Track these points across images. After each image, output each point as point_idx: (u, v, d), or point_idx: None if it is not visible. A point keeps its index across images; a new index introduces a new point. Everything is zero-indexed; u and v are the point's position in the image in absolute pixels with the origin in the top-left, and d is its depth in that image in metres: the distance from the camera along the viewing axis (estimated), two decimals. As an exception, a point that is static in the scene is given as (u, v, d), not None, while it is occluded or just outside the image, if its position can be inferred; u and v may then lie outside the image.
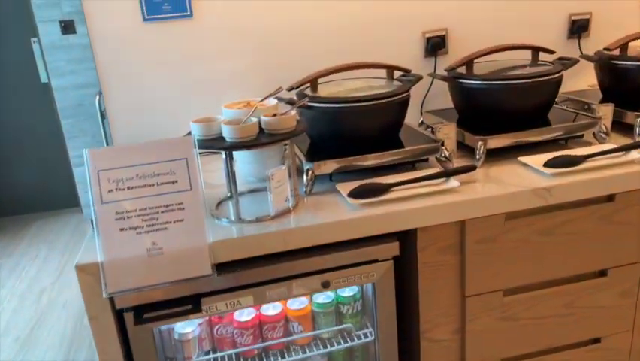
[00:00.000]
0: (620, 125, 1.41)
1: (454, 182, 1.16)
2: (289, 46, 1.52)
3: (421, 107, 1.65)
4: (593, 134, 1.35)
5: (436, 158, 1.27)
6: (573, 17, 1.68)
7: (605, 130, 1.34)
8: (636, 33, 1.43)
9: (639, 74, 1.38)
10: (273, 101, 1.19)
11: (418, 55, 1.61)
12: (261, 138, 1.06)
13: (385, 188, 1.15)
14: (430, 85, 1.61)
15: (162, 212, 0.99)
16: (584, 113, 1.39)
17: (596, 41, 1.72)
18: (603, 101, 1.51)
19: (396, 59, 1.58)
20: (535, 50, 1.45)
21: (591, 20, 1.70)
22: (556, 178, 1.16)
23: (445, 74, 1.40)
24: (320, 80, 1.33)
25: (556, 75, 1.32)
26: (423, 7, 1.57)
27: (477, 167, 1.20)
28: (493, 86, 1.31)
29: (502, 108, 1.32)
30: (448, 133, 1.33)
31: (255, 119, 1.07)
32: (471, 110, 1.40)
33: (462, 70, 1.39)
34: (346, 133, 1.25)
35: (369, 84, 1.36)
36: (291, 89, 1.27)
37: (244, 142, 1.03)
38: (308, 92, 1.29)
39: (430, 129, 1.39)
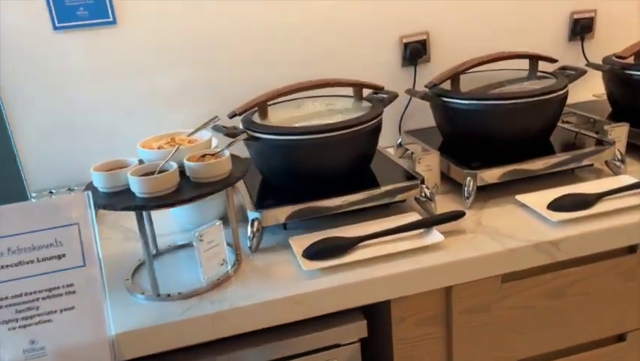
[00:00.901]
0: (635, 149, 1.17)
1: (436, 235, 0.91)
2: (240, 56, 1.26)
3: (400, 125, 1.41)
4: (606, 161, 1.11)
5: (415, 198, 1.02)
6: (575, 16, 1.44)
7: (619, 157, 1.10)
8: (653, 37, 1.20)
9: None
10: (206, 135, 0.93)
11: (394, 63, 1.36)
12: (183, 191, 0.80)
13: (350, 245, 0.90)
14: (409, 102, 1.36)
15: (44, 298, 0.73)
16: (594, 135, 1.15)
17: (601, 44, 1.48)
18: (614, 116, 1.27)
19: (369, 69, 1.34)
20: (534, 58, 1.20)
21: (595, 19, 1.46)
22: (565, 227, 0.92)
23: (426, 90, 1.15)
24: (275, 100, 1.08)
25: (561, 92, 1.07)
26: (399, 7, 1.32)
27: (465, 213, 0.96)
28: (484, 106, 1.06)
29: (496, 133, 1.08)
30: (431, 165, 1.09)
31: (174, 165, 0.81)
32: (458, 135, 1.16)
33: (446, 85, 1.14)
34: (303, 171, 1.00)
35: (333, 106, 1.11)
36: (233, 115, 1.01)
37: (159, 199, 0.78)
38: (256, 118, 1.04)
39: (409, 153, 1.15)
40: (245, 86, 1.20)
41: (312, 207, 0.96)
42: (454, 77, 1.13)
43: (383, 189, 0.99)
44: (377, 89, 1.12)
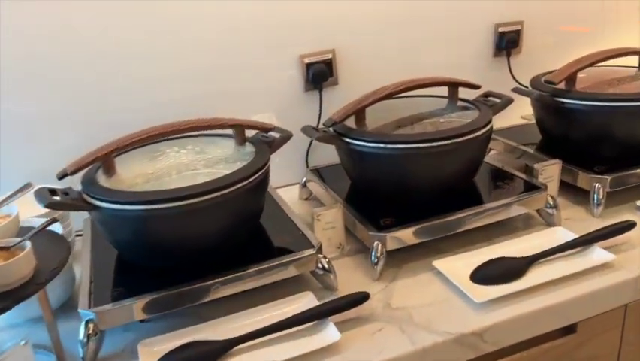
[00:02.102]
0: (569, 188, 1.01)
1: (331, 332, 0.70)
2: (110, 86, 1.01)
3: (307, 160, 1.20)
4: (537, 209, 0.95)
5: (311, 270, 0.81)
6: (500, 29, 1.27)
7: (551, 203, 0.94)
8: (585, 58, 1.04)
9: (594, 118, 0.99)
10: (12, 211, 0.68)
11: (295, 89, 1.15)
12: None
13: (220, 352, 0.69)
14: (310, 144, 1.16)
15: None
16: (522, 176, 0.99)
17: (530, 60, 1.33)
18: (545, 146, 1.11)
19: (264, 94, 1.12)
20: (454, 85, 1.02)
21: (522, 32, 1.30)
22: (492, 309, 0.74)
23: (329, 130, 0.93)
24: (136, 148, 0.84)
25: (484, 129, 0.89)
26: (299, 18, 1.11)
27: (368, 296, 0.75)
28: (392, 150, 0.86)
29: (408, 182, 0.88)
30: (332, 221, 0.88)
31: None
32: (366, 181, 0.95)
33: (351, 122, 0.94)
34: (162, 247, 0.77)
35: (205, 154, 0.87)
36: (63, 176, 0.75)
37: None
38: (101, 177, 0.79)
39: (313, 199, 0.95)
40: (116, 121, 0.95)
41: (178, 293, 0.73)
42: (359, 112, 0.93)
43: (268, 264, 0.77)
44: (265, 130, 0.90)
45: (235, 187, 0.75)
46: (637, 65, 1.16)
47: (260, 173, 0.79)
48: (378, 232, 0.83)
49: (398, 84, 0.95)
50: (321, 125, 0.92)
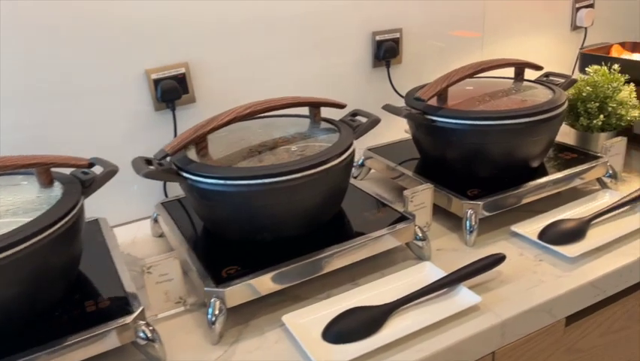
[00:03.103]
0: (445, 214, 0.93)
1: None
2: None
3: (164, 189, 1.05)
4: (407, 243, 0.86)
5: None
6: (378, 37, 1.18)
7: (421, 235, 0.85)
8: (455, 73, 0.96)
9: (464, 137, 0.91)
10: None
11: (144, 109, 1.00)
12: None
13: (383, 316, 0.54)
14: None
15: None
16: (390, 204, 0.89)
17: (412, 69, 1.26)
18: (423, 168, 1.03)
19: (107, 119, 0.96)
20: (315, 105, 0.91)
21: (402, 40, 1.22)
22: None
23: (165, 163, 0.79)
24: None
25: (343, 157, 0.79)
26: (142, 27, 0.96)
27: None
28: (230, 188, 0.73)
29: (248, 226, 0.76)
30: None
31: None
32: (210, 221, 0.82)
33: (193, 154, 0.80)
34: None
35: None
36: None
37: None
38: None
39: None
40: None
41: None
42: (198, 140, 0.80)
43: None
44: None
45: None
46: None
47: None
48: (215, 285, 0.71)
49: (246, 106, 0.82)
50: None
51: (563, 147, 1.06)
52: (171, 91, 0.99)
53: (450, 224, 0.94)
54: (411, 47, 1.23)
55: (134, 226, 1.02)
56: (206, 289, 0.70)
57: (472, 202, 0.88)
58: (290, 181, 0.73)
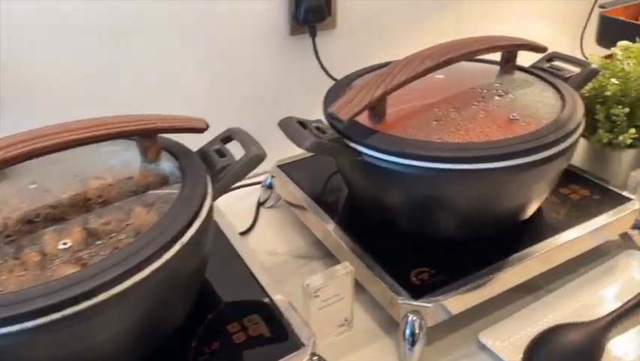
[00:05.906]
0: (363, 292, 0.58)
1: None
2: None
3: None
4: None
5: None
6: None
7: (348, 319, 0.50)
8: (396, 71, 0.56)
9: (415, 183, 0.54)
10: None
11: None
12: None
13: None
14: None
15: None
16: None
17: (349, 38, 0.85)
18: (347, 217, 0.66)
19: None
20: (181, 131, 0.51)
21: (337, -7, 0.81)
22: None
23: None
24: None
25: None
26: None
27: None
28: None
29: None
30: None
31: None
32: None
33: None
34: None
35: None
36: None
37: None
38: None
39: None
40: None
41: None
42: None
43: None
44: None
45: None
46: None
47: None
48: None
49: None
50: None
51: (567, 175, 0.69)
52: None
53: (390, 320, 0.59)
54: (350, 3, 0.82)
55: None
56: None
57: (416, 303, 0.51)
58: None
